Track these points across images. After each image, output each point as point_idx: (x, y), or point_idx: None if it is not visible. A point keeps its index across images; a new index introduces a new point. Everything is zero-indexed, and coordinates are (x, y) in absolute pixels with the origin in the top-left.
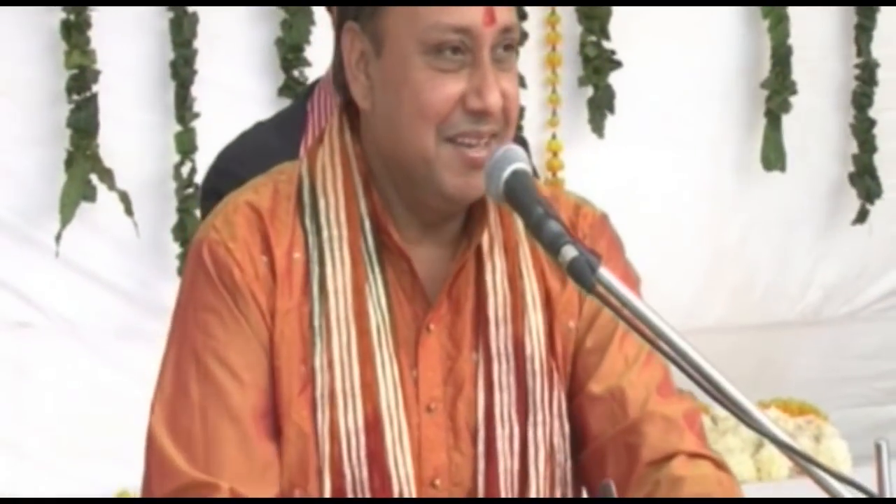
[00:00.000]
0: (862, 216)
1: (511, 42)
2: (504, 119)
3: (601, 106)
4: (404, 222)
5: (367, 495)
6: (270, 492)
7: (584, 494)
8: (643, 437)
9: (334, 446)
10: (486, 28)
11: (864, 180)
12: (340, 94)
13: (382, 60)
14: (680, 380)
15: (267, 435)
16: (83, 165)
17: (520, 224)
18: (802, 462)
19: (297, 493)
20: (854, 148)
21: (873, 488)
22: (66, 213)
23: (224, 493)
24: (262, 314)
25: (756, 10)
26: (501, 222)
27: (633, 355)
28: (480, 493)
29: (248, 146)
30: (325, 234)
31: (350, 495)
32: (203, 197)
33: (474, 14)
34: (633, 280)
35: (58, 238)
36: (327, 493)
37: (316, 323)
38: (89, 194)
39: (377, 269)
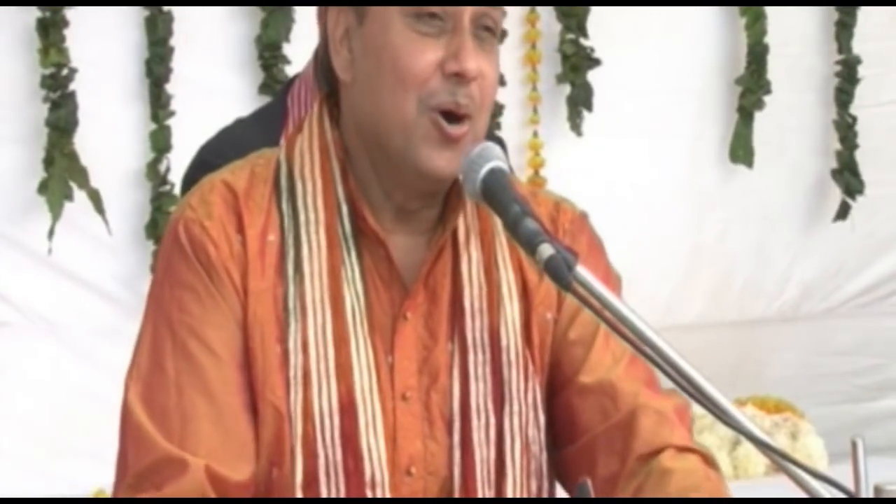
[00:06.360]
0: (843, 212)
1: (490, 25)
2: (480, 99)
3: (578, 104)
4: (381, 208)
5: (341, 477)
6: (246, 468)
7: (564, 493)
8: (635, 430)
9: (308, 426)
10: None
11: (845, 176)
12: (324, 84)
13: (364, 28)
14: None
15: (245, 410)
16: (62, 164)
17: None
18: (779, 460)
19: (275, 472)
20: (833, 145)
21: (850, 486)
22: (55, 210)
23: (196, 471)
24: (237, 291)
25: (734, 8)
26: (478, 213)
27: (620, 352)
28: (456, 483)
29: (227, 140)
30: (301, 217)
31: (323, 476)
32: (183, 190)
33: None
34: (614, 281)
35: (50, 233)
36: (299, 474)
37: (291, 304)
38: (68, 193)
39: (353, 254)
